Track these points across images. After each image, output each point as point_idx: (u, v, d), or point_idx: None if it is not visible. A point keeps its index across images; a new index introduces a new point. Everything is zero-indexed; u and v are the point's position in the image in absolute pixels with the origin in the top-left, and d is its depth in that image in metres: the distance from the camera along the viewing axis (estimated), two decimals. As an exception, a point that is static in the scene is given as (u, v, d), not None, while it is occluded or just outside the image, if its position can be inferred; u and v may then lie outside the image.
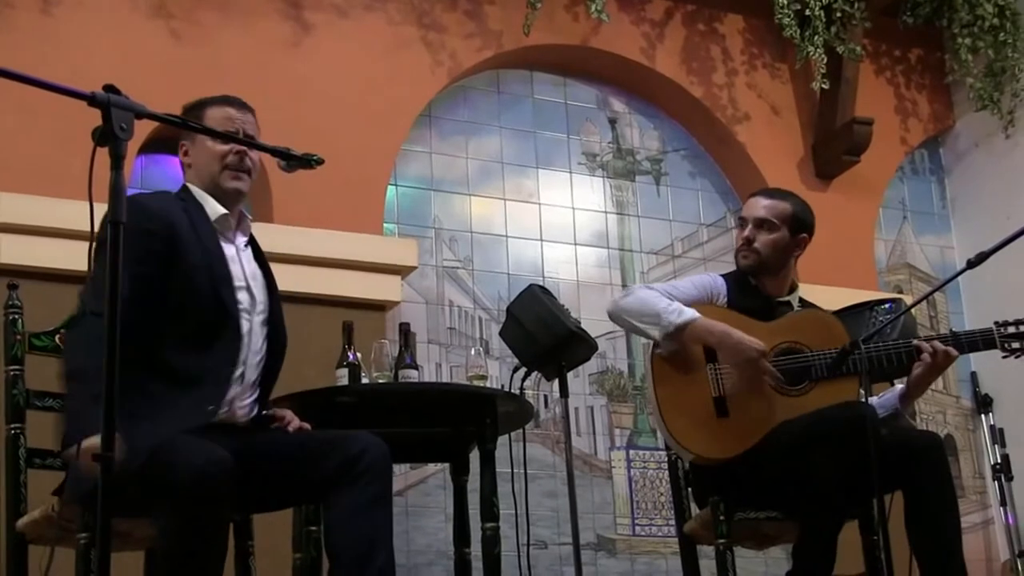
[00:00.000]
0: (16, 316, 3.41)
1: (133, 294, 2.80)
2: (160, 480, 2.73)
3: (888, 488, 3.57)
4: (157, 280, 3.03)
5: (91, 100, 2.35)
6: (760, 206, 4.00)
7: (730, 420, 3.76)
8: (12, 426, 3.32)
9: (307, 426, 3.26)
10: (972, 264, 3.33)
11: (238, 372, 3.13)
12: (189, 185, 3.28)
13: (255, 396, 3.23)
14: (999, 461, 6.39)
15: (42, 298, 4.07)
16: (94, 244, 2.62)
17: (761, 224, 3.97)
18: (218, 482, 2.75)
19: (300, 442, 3.12)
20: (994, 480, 6.42)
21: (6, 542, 3.25)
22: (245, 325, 3.17)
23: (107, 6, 5.38)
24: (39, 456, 3.33)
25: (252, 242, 3.37)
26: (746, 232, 3.98)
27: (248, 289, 3.22)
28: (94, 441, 2.25)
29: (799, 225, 4.00)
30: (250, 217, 3.39)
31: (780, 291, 4.01)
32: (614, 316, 3.97)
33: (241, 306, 3.18)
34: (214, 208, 3.23)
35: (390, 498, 3.01)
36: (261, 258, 3.37)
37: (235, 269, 3.21)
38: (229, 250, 3.23)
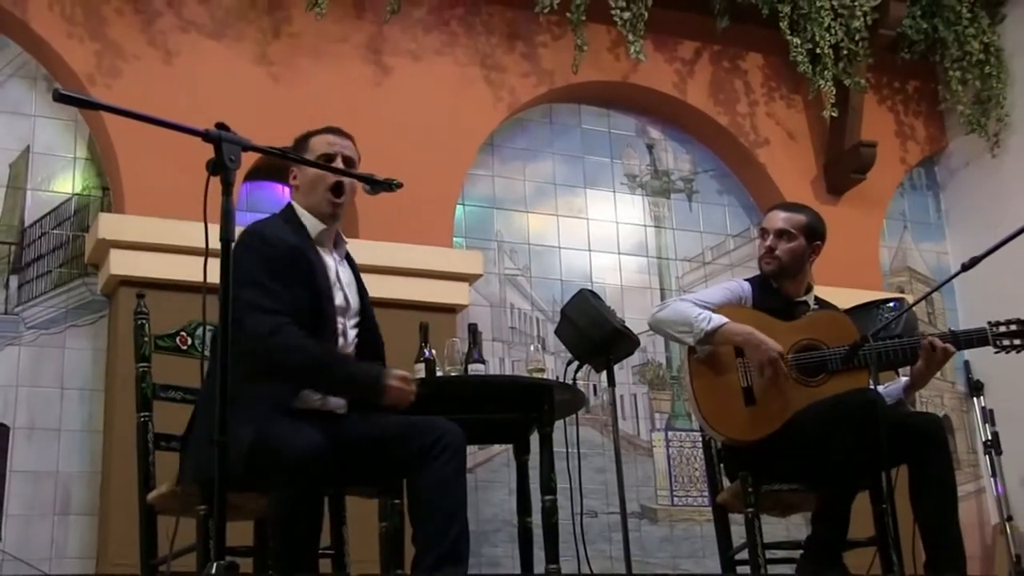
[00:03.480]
0: (144, 321, 3.44)
1: (285, 304, 2.97)
2: (271, 460, 2.75)
3: (895, 463, 3.52)
4: (284, 292, 3.04)
5: (205, 136, 2.37)
6: (779, 218, 3.96)
7: (757, 407, 3.72)
8: (141, 414, 3.34)
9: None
10: (965, 267, 3.28)
11: None
12: (293, 204, 3.26)
13: None
14: (990, 438, 6.31)
15: (164, 305, 4.11)
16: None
17: (781, 234, 3.92)
18: (318, 463, 2.76)
19: (387, 426, 3.10)
20: (985, 454, 6.33)
21: (139, 513, 3.28)
22: (340, 326, 3.17)
23: (218, 55, 5.43)
24: (164, 440, 3.35)
25: (347, 257, 3.37)
26: (768, 241, 3.93)
27: (345, 296, 3.22)
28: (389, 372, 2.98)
29: (813, 234, 3.95)
30: (345, 240, 3.38)
31: (798, 292, 3.96)
32: (653, 327, 3.93)
33: (339, 309, 3.17)
34: (314, 225, 3.21)
35: (464, 476, 3.00)
36: (356, 272, 3.36)
37: (333, 277, 3.21)
38: (329, 261, 3.23)
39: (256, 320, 2.93)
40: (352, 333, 3.23)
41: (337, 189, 3.21)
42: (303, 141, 3.29)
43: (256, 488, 2.89)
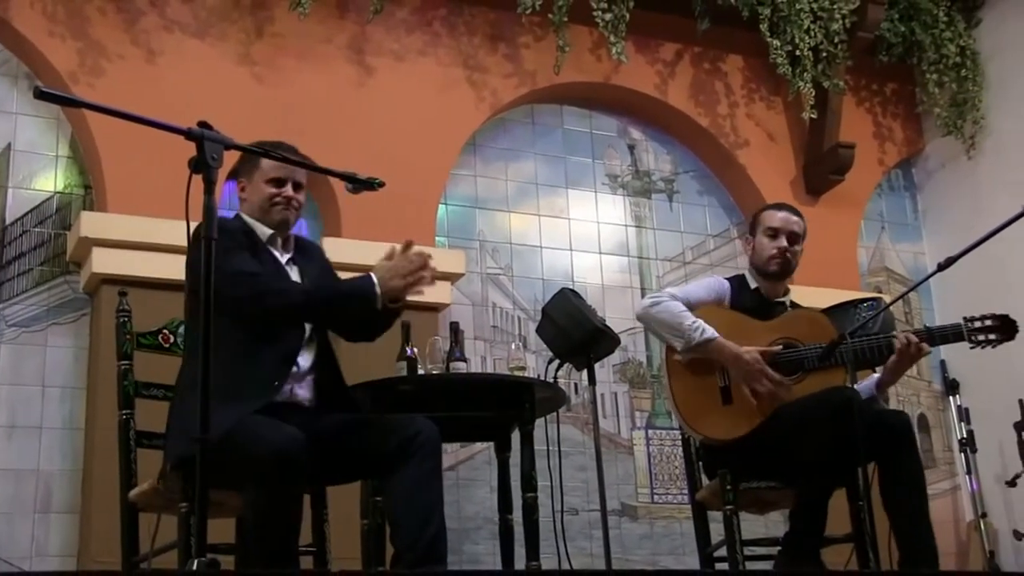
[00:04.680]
0: (126, 319, 3.43)
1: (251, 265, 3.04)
2: (245, 456, 2.74)
3: (865, 460, 3.53)
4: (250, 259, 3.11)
5: (187, 134, 2.37)
6: (794, 222, 3.97)
7: (734, 406, 3.73)
8: (123, 412, 3.34)
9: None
10: (941, 267, 3.29)
11: (299, 362, 3.14)
12: (242, 214, 3.31)
13: (312, 381, 3.21)
14: (965, 436, 6.34)
15: (146, 303, 4.10)
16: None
17: (795, 238, 3.94)
18: (295, 457, 2.75)
19: (362, 424, 3.11)
20: (960, 452, 6.36)
21: (121, 510, 3.26)
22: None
23: (201, 55, 5.41)
24: (147, 437, 3.35)
25: (300, 255, 3.37)
26: (781, 243, 3.92)
27: None
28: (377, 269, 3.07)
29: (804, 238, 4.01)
30: (294, 237, 3.40)
31: (777, 293, 3.98)
32: (643, 320, 3.92)
33: None
34: (263, 231, 3.26)
35: (440, 473, 2.99)
36: (314, 269, 3.36)
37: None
38: (279, 256, 3.26)
39: (235, 282, 2.96)
40: (307, 329, 3.23)
41: (287, 206, 3.25)
42: (253, 158, 3.24)
43: (234, 485, 2.89)
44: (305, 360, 3.17)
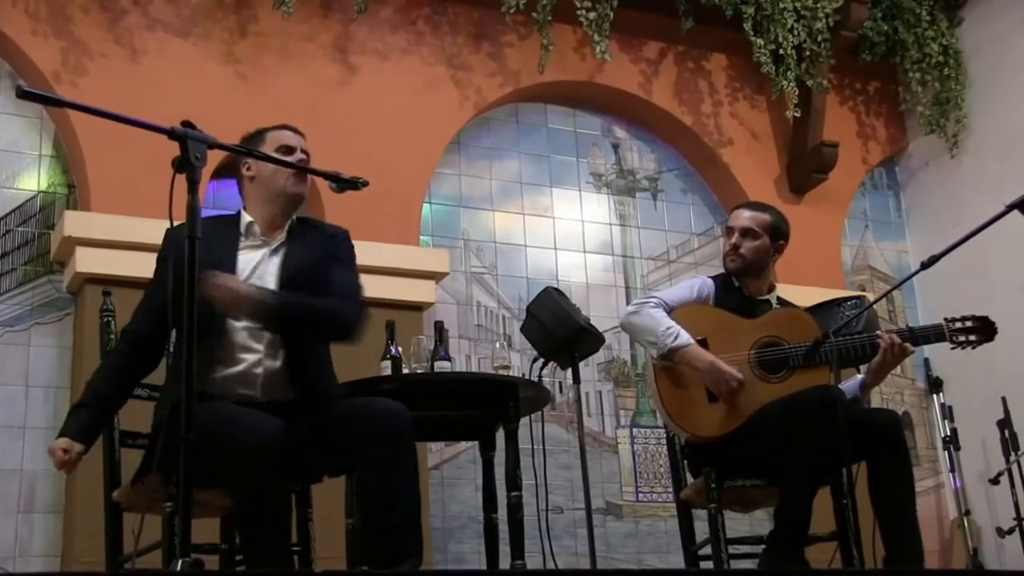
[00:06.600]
0: (109, 318, 3.42)
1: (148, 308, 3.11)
2: (226, 448, 2.71)
3: (855, 459, 3.55)
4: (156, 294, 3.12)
5: (170, 134, 2.36)
6: (744, 217, 3.97)
7: (720, 404, 3.74)
8: (107, 412, 3.32)
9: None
10: (925, 265, 3.31)
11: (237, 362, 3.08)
12: (243, 211, 3.24)
13: (290, 377, 3.12)
14: (948, 434, 6.36)
15: (130, 303, 4.07)
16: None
17: (746, 233, 3.94)
18: (275, 447, 2.74)
19: (334, 414, 3.00)
20: (944, 450, 6.39)
21: (104, 510, 3.25)
22: (235, 322, 3.07)
23: (184, 54, 5.40)
24: (130, 437, 3.33)
25: (294, 240, 3.23)
26: (733, 239, 3.95)
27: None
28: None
29: (777, 233, 3.98)
30: (294, 218, 3.29)
31: (760, 291, 3.98)
32: (624, 327, 3.95)
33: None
34: (244, 219, 3.21)
35: (412, 456, 2.88)
36: (301, 253, 3.21)
37: (246, 272, 3.12)
38: (249, 257, 3.17)
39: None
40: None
41: (299, 174, 3.19)
42: (258, 136, 3.26)
43: (210, 482, 2.87)
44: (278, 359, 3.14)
